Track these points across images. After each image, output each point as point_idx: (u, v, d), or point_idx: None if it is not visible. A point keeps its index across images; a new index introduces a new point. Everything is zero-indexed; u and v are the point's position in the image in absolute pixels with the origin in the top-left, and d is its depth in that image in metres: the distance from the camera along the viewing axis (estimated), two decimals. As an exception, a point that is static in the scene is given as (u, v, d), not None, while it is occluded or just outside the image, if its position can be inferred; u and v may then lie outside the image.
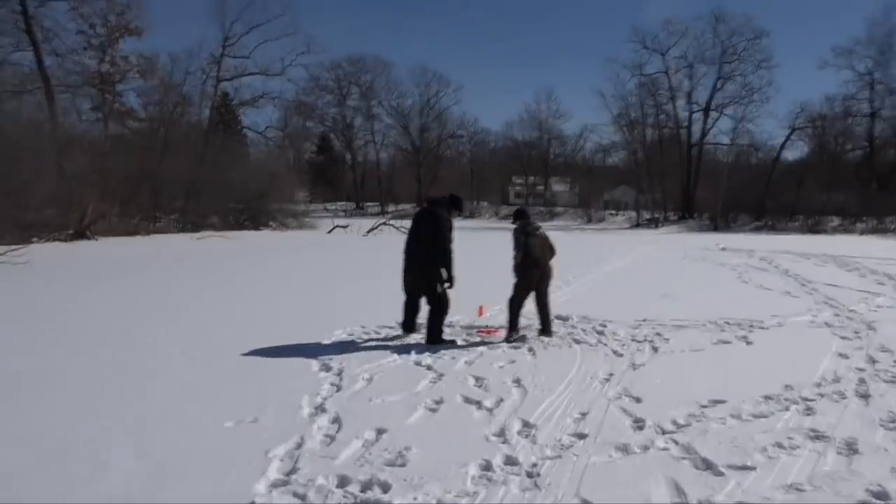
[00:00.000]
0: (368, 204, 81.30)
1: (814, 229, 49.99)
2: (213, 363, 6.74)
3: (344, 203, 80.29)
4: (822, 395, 5.76)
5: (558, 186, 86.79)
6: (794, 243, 30.70)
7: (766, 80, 60.06)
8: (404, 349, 7.45)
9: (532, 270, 8.17)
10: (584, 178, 78.06)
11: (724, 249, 27.10)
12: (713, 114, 60.80)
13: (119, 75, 38.88)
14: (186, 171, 34.07)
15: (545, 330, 8.19)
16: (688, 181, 59.08)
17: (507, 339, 7.96)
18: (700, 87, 60.96)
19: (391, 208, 77.86)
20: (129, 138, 37.59)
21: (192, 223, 33.72)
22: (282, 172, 43.77)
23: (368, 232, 35.08)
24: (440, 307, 7.85)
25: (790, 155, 64.82)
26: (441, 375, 6.33)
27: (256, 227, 38.39)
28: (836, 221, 51.92)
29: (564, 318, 9.39)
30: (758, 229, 51.29)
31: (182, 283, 13.45)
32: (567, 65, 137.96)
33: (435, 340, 7.79)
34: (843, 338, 8.18)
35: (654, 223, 56.68)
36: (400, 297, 8.15)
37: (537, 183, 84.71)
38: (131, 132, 38.39)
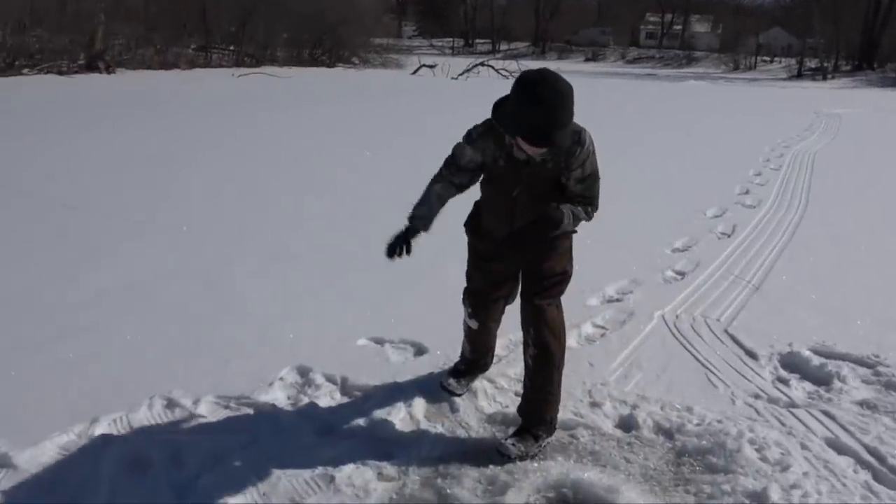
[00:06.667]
0: (479, 41, 72.92)
1: None
2: None
3: (452, 40, 72.10)
4: None
5: (698, 27, 74.67)
6: None
7: None
8: None
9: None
10: (731, 18, 65.60)
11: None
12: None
13: None
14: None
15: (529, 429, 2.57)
16: (874, 20, 46.67)
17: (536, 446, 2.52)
18: None
19: (503, 47, 69.38)
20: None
21: (249, 56, 28.10)
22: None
23: (461, 75, 28.30)
24: None
25: None
26: None
27: (331, 64, 32.40)
28: None
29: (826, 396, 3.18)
30: (964, 86, 40.05)
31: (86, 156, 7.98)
32: None
33: None
34: None
35: (821, 74, 45.73)
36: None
37: (675, 22, 72.67)
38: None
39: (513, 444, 2.47)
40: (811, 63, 48.91)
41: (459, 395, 2.85)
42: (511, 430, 2.61)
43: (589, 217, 2.51)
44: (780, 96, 26.64)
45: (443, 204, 2.59)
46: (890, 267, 4.93)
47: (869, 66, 47.14)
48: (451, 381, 2.87)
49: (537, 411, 2.56)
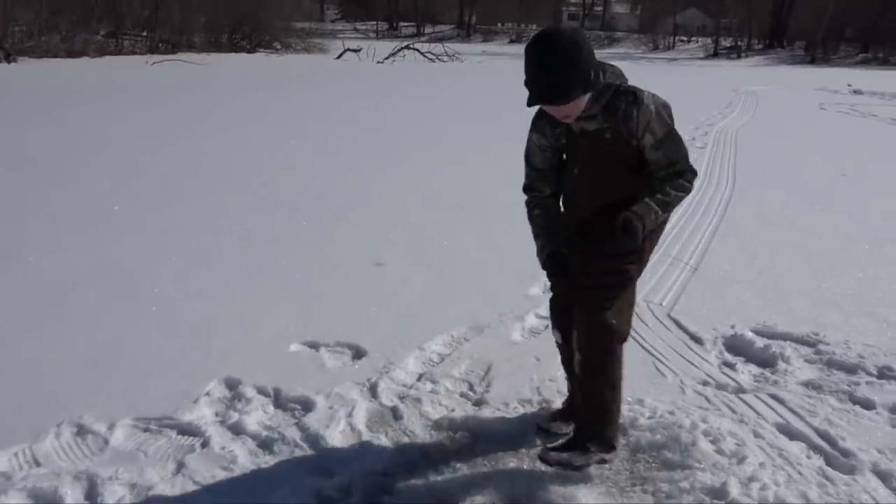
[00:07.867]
0: (404, 24, 72.13)
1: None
2: None
3: (376, 23, 71.09)
4: None
5: (619, 8, 76.16)
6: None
7: None
8: None
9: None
10: (650, -1, 67.09)
11: (857, 93, 19.65)
12: None
13: None
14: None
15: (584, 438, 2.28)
16: (782, 1, 48.54)
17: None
18: None
19: (428, 30, 68.91)
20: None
21: (163, 42, 26.87)
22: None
23: (386, 58, 27.88)
24: None
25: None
26: None
27: (252, 49, 31.38)
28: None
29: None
30: (865, 62, 42.22)
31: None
32: None
33: None
34: None
35: (735, 52, 47.38)
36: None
37: (595, 3, 73.68)
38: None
39: (553, 451, 2.25)
40: (726, 42, 50.57)
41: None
42: (458, 436, 2.47)
43: (686, 189, 2.16)
44: (699, 74, 27.36)
45: (558, 222, 2.32)
46: (816, 243, 5.02)
47: (779, 44, 49.14)
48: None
49: (584, 423, 2.30)
